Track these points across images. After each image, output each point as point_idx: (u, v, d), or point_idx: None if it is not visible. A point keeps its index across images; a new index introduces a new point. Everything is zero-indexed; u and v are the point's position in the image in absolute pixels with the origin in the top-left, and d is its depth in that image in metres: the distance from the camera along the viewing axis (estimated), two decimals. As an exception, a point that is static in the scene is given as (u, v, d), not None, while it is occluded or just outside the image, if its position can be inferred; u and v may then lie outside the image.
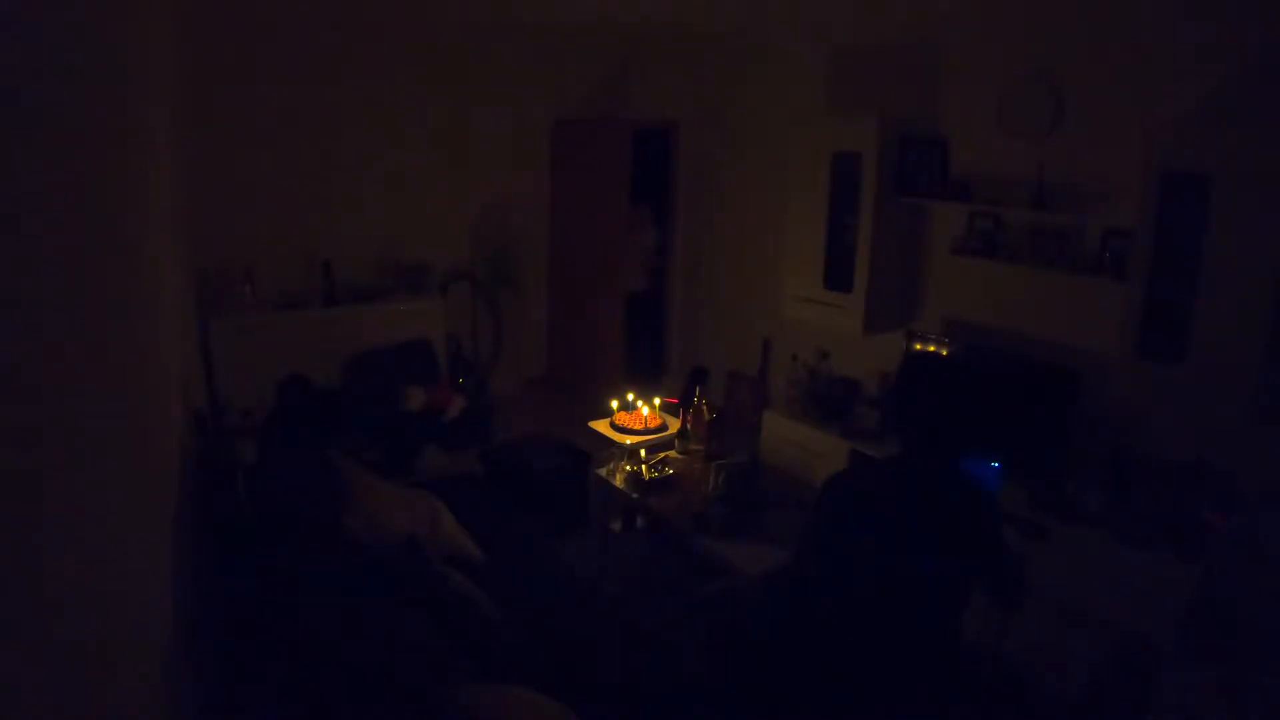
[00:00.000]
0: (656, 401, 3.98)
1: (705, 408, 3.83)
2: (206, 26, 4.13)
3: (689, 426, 3.76)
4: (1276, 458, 2.97)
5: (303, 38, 4.54)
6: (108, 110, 1.49)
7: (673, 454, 3.71)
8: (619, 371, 5.63)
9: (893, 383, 2.07)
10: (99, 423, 1.18)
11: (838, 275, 4.23)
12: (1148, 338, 3.07)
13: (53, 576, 0.88)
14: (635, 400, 3.87)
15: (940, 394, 1.88)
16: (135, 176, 1.85)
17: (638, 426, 3.75)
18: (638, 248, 5.84)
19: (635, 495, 3.40)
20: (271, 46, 4.46)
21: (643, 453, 3.61)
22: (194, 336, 3.92)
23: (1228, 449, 3.03)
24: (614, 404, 3.91)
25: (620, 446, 3.68)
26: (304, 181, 4.71)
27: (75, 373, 1.06)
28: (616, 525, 3.94)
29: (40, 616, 0.82)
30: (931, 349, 3.90)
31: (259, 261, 4.52)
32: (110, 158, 1.50)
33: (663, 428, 3.82)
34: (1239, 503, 2.99)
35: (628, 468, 3.53)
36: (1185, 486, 3.06)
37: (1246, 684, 2.81)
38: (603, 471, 3.62)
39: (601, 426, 3.85)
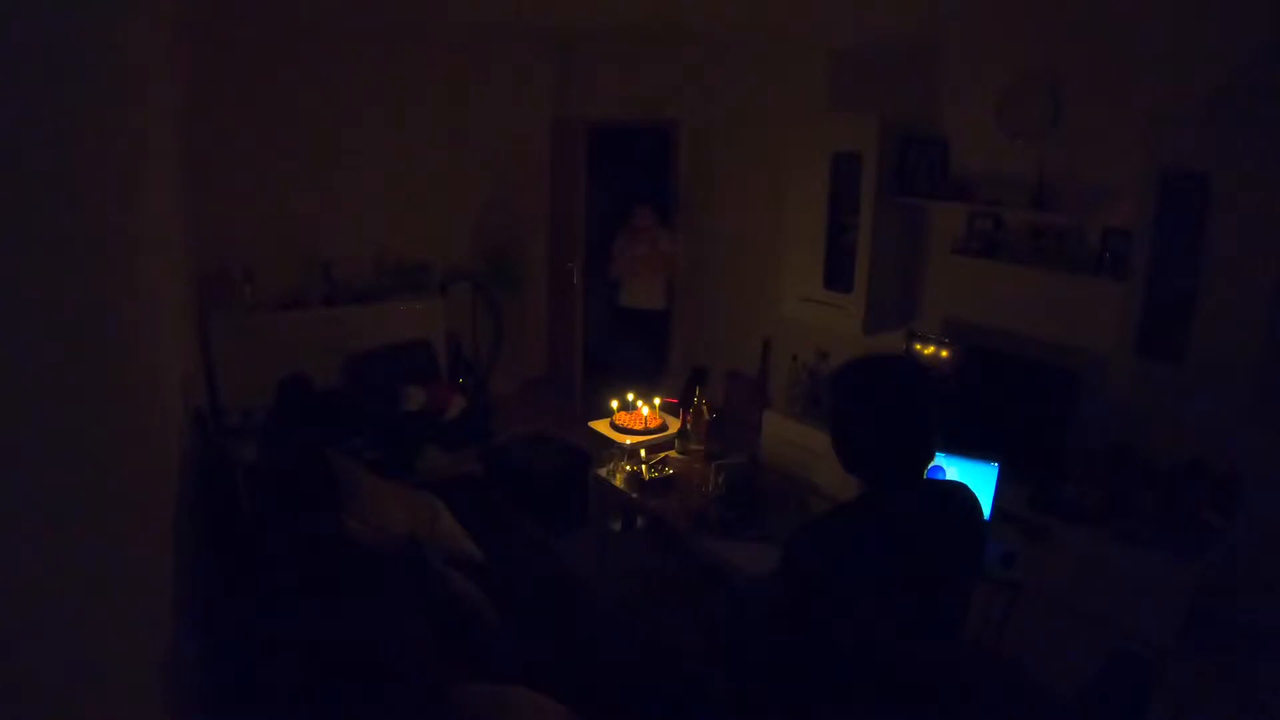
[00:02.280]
0: (656, 401, 3.98)
1: (705, 408, 3.83)
2: (208, 27, 4.13)
3: (689, 426, 3.76)
4: (1276, 458, 2.98)
5: (303, 39, 4.54)
6: (108, 111, 1.49)
7: (673, 454, 3.71)
8: (577, 375, 5.58)
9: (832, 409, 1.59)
10: (99, 422, 1.18)
11: (838, 275, 4.23)
12: (1148, 338, 3.07)
13: (51, 577, 0.88)
14: (635, 400, 3.87)
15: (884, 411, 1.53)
16: (135, 176, 1.85)
17: (638, 426, 3.75)
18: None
19: (635, 495, 3.40)
20: (272, 47, 4.46)
21: (643, 453, 3.61)
22: (194, 336, 3.92)
23: (1228, 449, 3.04)
24: (614, 404, 3.91)
25: (620, 446, 3.68)
26: (304, 182, 4.72)
27: (75, 372, 1.06)
28: (616, 525, 3.94)
29: (39, 617, 0.82)
30: (931, 350, 3.90)
31: (259, 261, 4.52)
32: (110, 158, 1.50)
33: (663, 428, 3.82)
34: (1239, 503, 2.99)
35: (628, 468, 3.53)
36: (1185, 486, 3.06)
37: (1247, 684, 2.81)
38: (603, 471, 3.62)
39: (601, 426, 3.85)
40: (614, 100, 5.57)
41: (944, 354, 3.86)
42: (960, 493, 1.64)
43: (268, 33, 4.41)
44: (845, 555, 1.51)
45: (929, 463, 1.56)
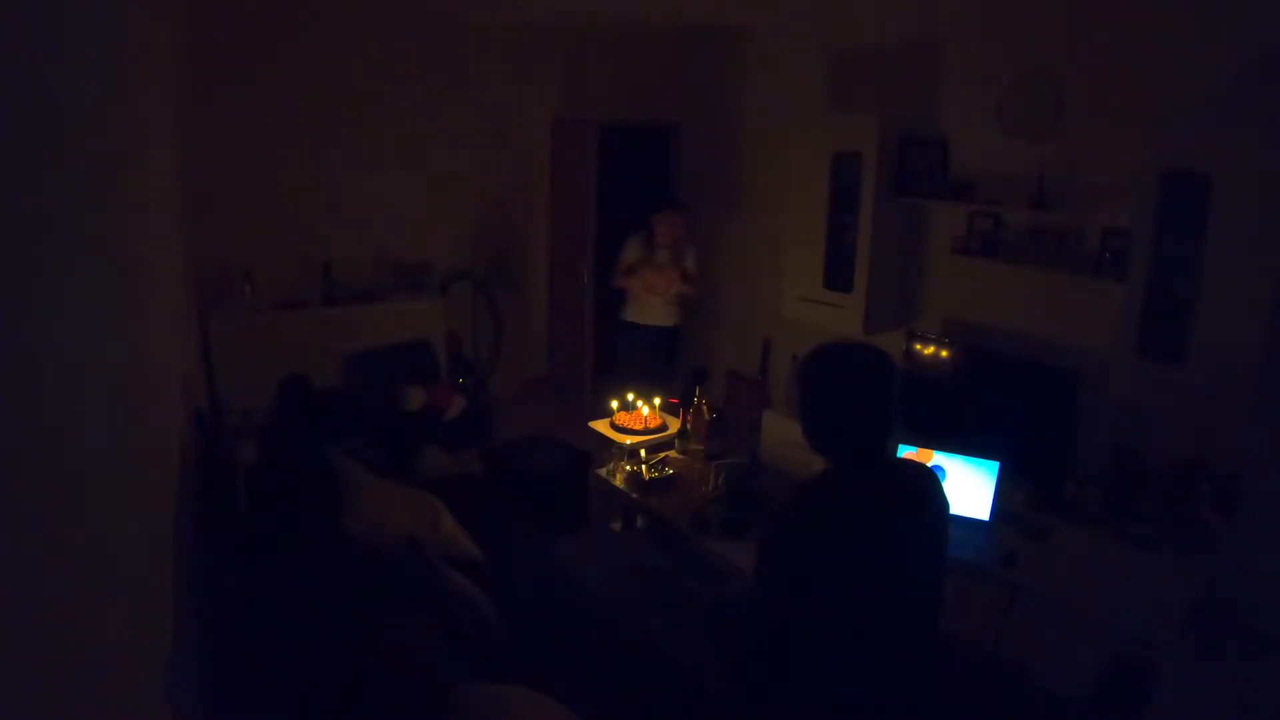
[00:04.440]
0: (656, 401, 3.98)
1: (705, 408, 3.83)
2: (207, 26, 4.13)
3: (689, 426, 3.76)
4: (1276, 458, 2.97)
5: (303, 38, 4.54)
6: (107, 110, 1.49)
7: (673, 454, 3.71)
8: (586, 374, 5.57)
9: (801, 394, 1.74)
10: (99, 422, 1.18)
11: (838, 275, 4.23)
12: (1148, 338, 3.07)
13: (52, 577, 0.88)
14: (635, 400, 3.87)
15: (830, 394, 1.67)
16: (135, 177, 1.85)
17: (638, 426, 3.75)
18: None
19: (635, 495, 3.40)
20: (272, 46, 4.46)
21: (643, 453, 3.61)
22: (194, 336, 3.91)
23: (1228, 449, 3.03)
24: (614, 404, 3.91)
25: (620, 446, 3.68)
26: (304, 181, 4.71)
27: (75, 373, 1.06)
28: (616, 525, 3.94)
29: (40, 617, 0.82)
30: (931, 350, 3.90)
31: (259, 261, 4.52)
32: (110, 157, 1.50)
33: (663, 428, 3.82)
34: (1239, 503, 2.99)
35: (628, 468, 3.53)
36: (1185, 486, 3.06)
37: (1247, 684, 2.81)
38: (603, 471, 3.62)
39: (601, 426, 3.85)
40: (614, 100, 5.57)
41: (944, 354, 3.86)
42: (918, 471, 1.75)
43: (267, 32, 4.41)
44: (813, 529, 1.60)
45: (886, 441, 1.67)
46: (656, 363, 4.63)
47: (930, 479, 1.73)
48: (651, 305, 4.58)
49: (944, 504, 1.73)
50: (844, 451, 1.66)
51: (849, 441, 1.65)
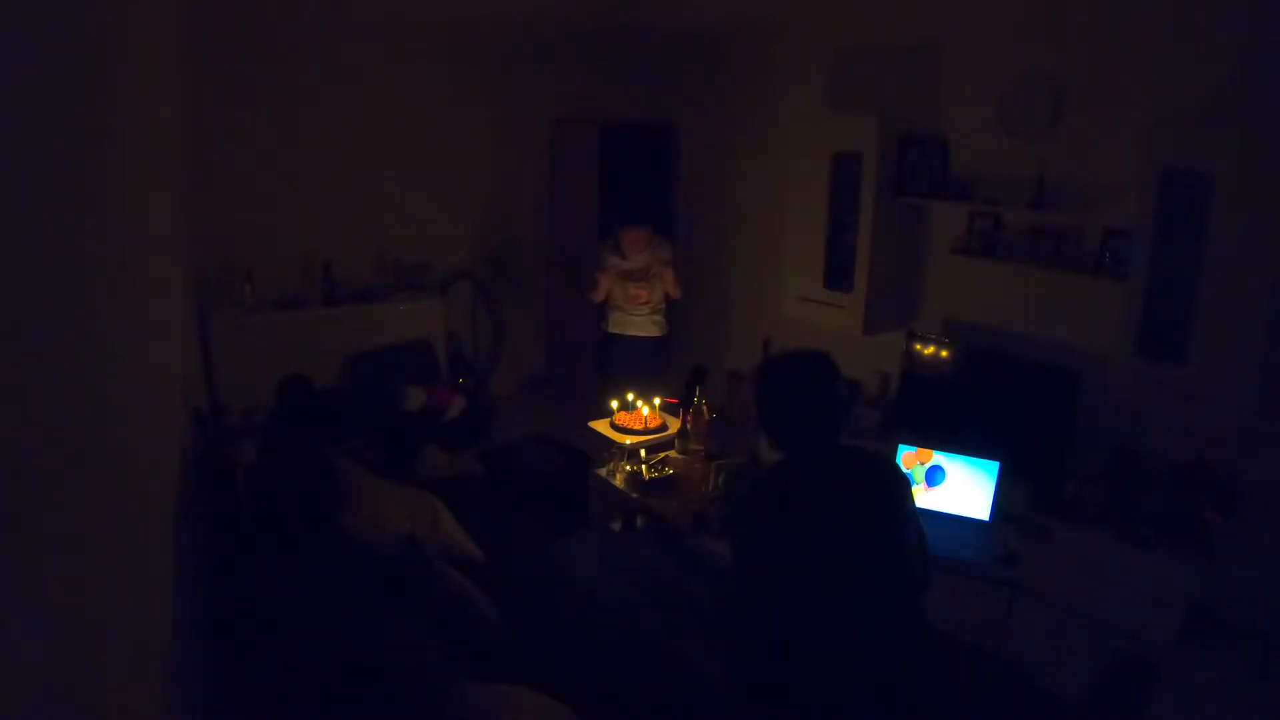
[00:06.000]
0: (656, 401, 3.97)
1: (705, 408, 3.83)
2: (208, 25, 4.13)
3: (689, 426, 3.76)
4: (1277, 457, 2.98)
5: (303, 38, 4.54)
6: (107, 110, 1.49)
7: (673, 454, 3.71)
8: (586, 374, 5.50)
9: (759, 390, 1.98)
10: (99, 423, 1.18)
11: (838, 275, 4.23)
12: (1148, 338, 3.07)
13: (52, 577, 0.88)
14: (635, 400, 3.87)
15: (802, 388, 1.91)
16: (134, 176, 1.85)
17: (638, 426, 3.75)
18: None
19: (635, 495, 3.40)
20: (272, 47, 4.46)
21: (643, 453, 3.61)
22: (194, 336, 3.92)
23: (1228, 449, 3.03)
24: (614, 404, 3.91)
25: (620, 446, 3.68)
26: (304, 181, 4.71)
27: (75, 373, 1.06)
28: (616, 525, 3.94)
29: (40, 617, 0.82)
30: (931, 350, 3.90)
31: (259, 261, 4.52)
32: (109, 157, 1.50)
33: (663, 428, 3.82)
34: (1239, 503, 2.99)
35: (628, 468, 3.53)
36: (1185, 486, 3.06)
37: (1247, 684, 2.81)
38: (603, 471, 3.62)
39: (601, 426, 3.84)
40: (614, 100, 5.57)
41: (944, 354, 3.86)
42: (870, 457, 1.97)
43: (267, 32, 4.41)
44: (768, 509, 1.88)
45: (833, 435, 1.93)
46: (644, 375, 4.38)
47: (881, 463, 1.97)
48: (635, 316, 4.45)
49: (892, 485, 1.93)
50: (795, 445, 1.91)
51: (798, 437, 1.91)
